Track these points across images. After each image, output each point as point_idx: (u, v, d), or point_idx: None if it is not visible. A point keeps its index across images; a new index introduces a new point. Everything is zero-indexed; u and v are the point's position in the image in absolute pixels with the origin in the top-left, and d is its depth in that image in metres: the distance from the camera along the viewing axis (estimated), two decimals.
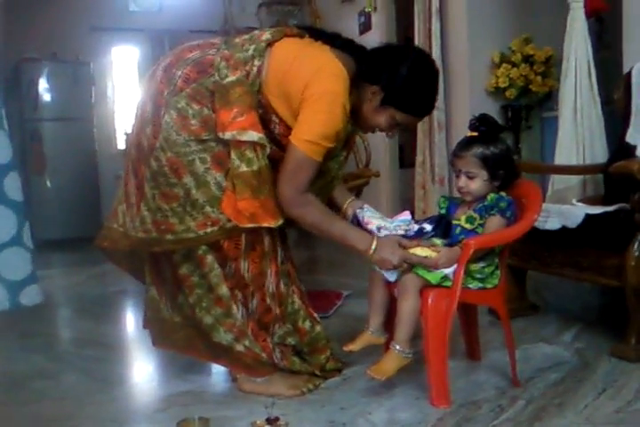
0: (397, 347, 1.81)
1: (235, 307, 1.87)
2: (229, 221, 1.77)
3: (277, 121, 1.80)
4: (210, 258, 1.83)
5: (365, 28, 5.45)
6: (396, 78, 1.78)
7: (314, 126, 1.73)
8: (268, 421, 1.65)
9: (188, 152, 1.76)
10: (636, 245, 2.06)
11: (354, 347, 1.92)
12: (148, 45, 6.44)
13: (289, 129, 1.79)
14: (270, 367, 1.91)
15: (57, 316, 3.22)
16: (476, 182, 1.90)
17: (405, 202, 5.14)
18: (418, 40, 4.45)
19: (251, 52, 1.79)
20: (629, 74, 2.73)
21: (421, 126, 4.44)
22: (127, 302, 3.40)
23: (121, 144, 6.37)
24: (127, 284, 3.68)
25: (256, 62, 1.78)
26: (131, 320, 3.14)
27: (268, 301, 1.90)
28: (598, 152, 3.00)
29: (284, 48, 1.82)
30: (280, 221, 1.79)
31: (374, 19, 5.29)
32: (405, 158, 5.65)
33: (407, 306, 1.82)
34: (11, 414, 1.87)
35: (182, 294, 1.90)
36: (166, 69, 1.83)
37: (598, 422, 1.68)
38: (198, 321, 1.89)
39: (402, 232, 1.86)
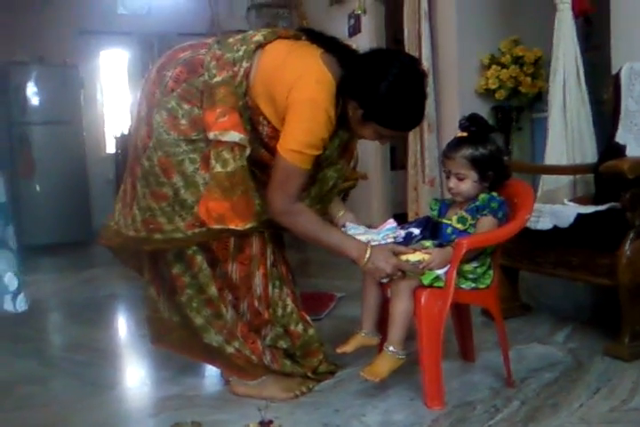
0: (391, 348, 1.80)
1: (224, 308, 1.86)
2: None
3: (265, 123, 1.79)
4: (199, 258, 1.83)
5: (355, 30, 5.45)
6: (374, 97, 1.72)
7: (298, 136, 1.71)
8: (262, 424, 1.64)
9: (177, 152, 1.76)
10: (627, 244, 2.06)
11: (347, 349, 1.90)
12: (137, 48, 6.41)
13: (277, 131, 1.78)
14: (262, 370, 1.90)
15: (46, 321, 3.18)
16: (465, 183, 1.89)
17: (397, 204, 5.14)
18: (407, 42, 4.45)
19: (240, 53, 1.78)
20: (618, 74, 2.74)
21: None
22: (117, 306, 3.38)
23: (110, 148, 6.34)
24: (117, 288, 3.68)
25: (244, 64, 1.76)
26: (121, 325, 3.12)
27: (256, 304, 1.89)
28: (588, 152, 3.01)
29: (274, 51, 1.81)
30: (249, 225, 1.76)
31: (364, 21, 5.29)
32: (397, 160, 5.66)
33: (400, 307, 1.81)
34: None
35: (178, 297, 1.89)
36: (159, 70, 1.84)
37: (593, 421, 1.68)
38: (190, 322, 1.88)
39: (391, 240, 1.85)
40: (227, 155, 1.72)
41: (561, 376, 2.00)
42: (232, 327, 1.87)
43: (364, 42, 5.33)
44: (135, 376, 2.30)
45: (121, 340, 2.81)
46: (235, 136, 1.71)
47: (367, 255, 1.76)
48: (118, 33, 6.32)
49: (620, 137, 2.67)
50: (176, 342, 1.97)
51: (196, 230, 1.77)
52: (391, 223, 1.91)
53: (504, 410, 1.76)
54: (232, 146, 1.72)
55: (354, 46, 1.89)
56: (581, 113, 3.02)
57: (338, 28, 5.72)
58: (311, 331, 1.97)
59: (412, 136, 4.44)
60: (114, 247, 2.01)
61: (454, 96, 4.24)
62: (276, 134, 1.77)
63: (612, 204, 2.28)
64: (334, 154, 1.90)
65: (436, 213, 2.00)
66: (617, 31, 2.95)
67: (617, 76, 2.75)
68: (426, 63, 4.29)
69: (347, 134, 1.89)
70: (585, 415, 1.71)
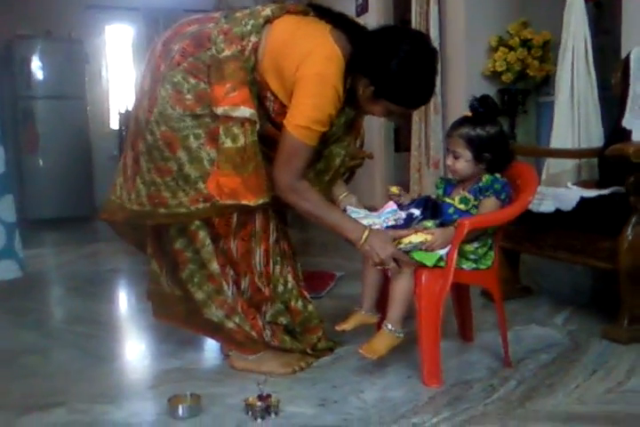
0: (389, 326, 1.82)
1: (225, 284, 1.87)
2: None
3: (272, 98, 1.78)
4: (202, 234, 1.83)
5: (362, 9, 5.41)
6: (385, 74, 1.72)
7: (305, 111, 1.71)
8: (260, 398, 1.65)
9: (182, 127, 1.75)
10: (629, 229, 2.07)
11: (346, 326, 1.91)
12: (143, 24, 6.37)
13: (284, 107, 1.77)
14: (262, 345, 1.92)
15: (48, 293, 3.21)
16: (460, 162, 1.89)
17: (401, 186, 5.11)
18: (415, 23, 4.42)
19: (249, 27, 1.76)
20: (627, 59, 2.72)
21: (417, 110, 4.42)
22: (119, 280, 3.40)
23: (114, 124, 6.32)
24: (119, 263, 3.70)
25: (252, 38, 1.75)
26: (123, 298, 3.14)
27: (257, 280, 1.90)
28: (594, 136, 3.00)
29: (282, 26, 1.79)
30: (261, 200, 1.76)
31: (372, 0, 5.24)
32: (401, 142, 5.64)
33: (401, 286, 1.82)
34: (1, 390, 1.87)
35: (180, 272, 1.90)
36: (165, 44, 1.82)
37: (589, 402, 1.69)
38: (191, 296, 1.89)
39: (392, 223, 1.85)
40: (237, 130, 1.72)
41: (558, 357, 2.01)
42: (233, 303, 1.88)
43: (371, 22, 5.23)
44: (136, 349, 2.32)
45: (122, 313, 2.83)
46: (245, 111, 1.71)
47: (364, 236, 1.76)
48: (124, 8, 6.28)
49: (627, 122, 2.66)
50: (177, 316, 1.99)
51: (200, 206, 1.78)
52: (391, 206, 1.91)
53: (501, 389, 1.78)
54: (242, 121, 1.72)
55: (362, 23, 1.87)
56: (589, 97, 3.00)
57: (345, 7, 5.66)
58: (310, 307, 1.98)
59: (417, 117, 4.43)
60: (116, 222, 2.01)
61: (461, 78, 4.22)
62: (282, 110, 1.76)
63: (616, 188, 2.28)
64: (340, 131, 1.89)
65: (441, 191, 2.00)
66: (628, 15, 2.93)
67: (626, 61, 2.73)
68: (434, 44, 4.26)
69: (353, 112, 1.89)
70: (581, 396, 1.73)
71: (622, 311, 2.13)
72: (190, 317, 1.95)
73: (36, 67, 5.55)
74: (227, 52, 1.73)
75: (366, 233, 1.77)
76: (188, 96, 1.75)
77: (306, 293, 2.01)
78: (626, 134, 2.61)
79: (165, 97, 1.76)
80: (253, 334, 1.89)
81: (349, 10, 5.57)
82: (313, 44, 1.73)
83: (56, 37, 5.73)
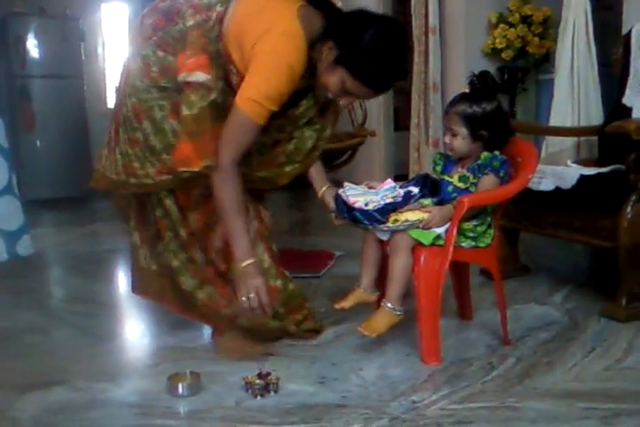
0: (389, 304, 1.82)
1: (194, 253, 1.91)
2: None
3: (235, 72, 1.75)
4: (169, 202, 1.88)
5: None
6: (356, 40, 1.66)
7: (257, 86, 1.67)
8: (260, 376, 1.65)
9: (148, 98, 1.78)
10: (629, 207, 2.06)
11: (345, 304, 1.91)
12: (138, 2, 6.25)
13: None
14: (228, 323, 1.92)
15: (48, 273, 3.21)
16: (457, 139, 1.88)
17: (399, 165, 5.12)
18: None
19: None
20: (629, 35, 2.69)
21: (416, 88, 4.39)
22: (118, 260, 3.39)
23: (111, 103, 6.27)
24: (118, 243, 3.69)
25: (218, 8, 1.74)
26: (121, 278, 3.14)
27: (213, 255, 1.91)
28: (593, 114, 2.98)
29: (249, 0, 1.76)
30: (206, 163, 1.70)
31: None
32: (400, 121, 5.60)
33: (399, 264, 1.81)
34: (0, 369, 1.87)
35: (160, 241, 1.93)
36: (142, 20, 1.85)
37: (587, 379, 1.70)
38: (168, 265, 1.93)
39: (390, 200, 1.83)
40: (193, 97, 1.70)
41: (557, 336, 2.02)
42: (203, 271, 1.92)
43: (368, 1, 5.22)
44: (135, 328, 2.33)
45: (121, 293, 2.83)
46: (200, 76, 1.69)
47: (248, 262, 1.73)
48: None
49: (628, 99, 2.64)
50: (154, 291, 2.01)
51: (164, 177, 1.80)
52: (389, 183, 1.90)
53: (499, 367, 1.79)
54: (197, 87, 1.69)
55: (339, 4, 1.84)
56: (589, 74, 2.98)
57: None
58: (291, 286, 1.96)
59: (416, 96, 4.40)
60: (102, 190, 2.03)
61: (460, 55, 4.18)
62: None
63: (615, 166, 2.27)
64: (311, 113, 1.86)
65: (440, 168, 1.99)
66: None
67: (627, 37, 2.70)
68: (432, 21, 4.22)
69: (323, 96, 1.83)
70: (579, 374, 1.74)
71: (621, 289, 2.14)
72: (164, 292, 1.98)
73: (32, 45, 5.47)
74: (191, 21, 1.73)
75: (249, 262, 1.73)
76: (154, 68, 1.76)
77: (286, 272, 1.98)
78: (626, 112, 2.59)
79: (135, 69, 1.79)
80: (223, 303, 1.89)
81: None
82: (273, 19, 1.68)
83: (51, 15, 5.64)
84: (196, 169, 1.71)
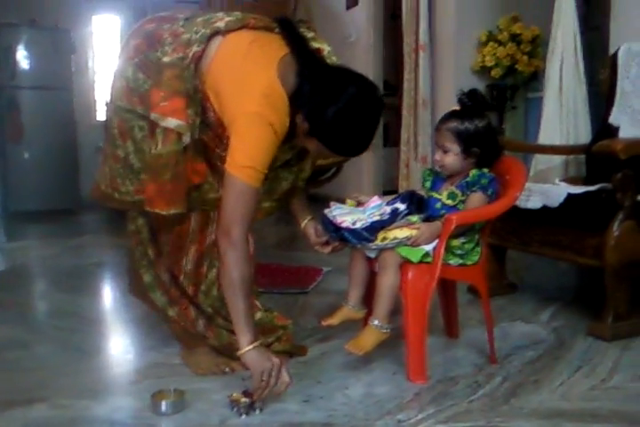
0: (376, 322, 1.81)
1: (162, 273, 1.91)
2: None
3: (212, 109, 1.72)
4: (141, 221, 1.90)
5: (352, 2, 5.38)
6: (321, 118, 1.61)
7: (248, 151, 1.61)
8: (245, 393, 1.64)
9: (129, 118, 1.77)
10: (615, 225, 2.07)
11: (332, 321, 1.90)
12: (131, 15, 6.31)
13: (220, 120, 1.70)
14: (200, 340, 1.93)
15: (32, 287, 3.17)
16: (449, 156, 1.89)
17: (388, 181, 5.13)
18: (405, 16, 4.40)
19: (197, 36, 1.70)
20: (615, 55, 2.72)
21: (406, 104, 4.41)
22: (104, 274, 3.37)
23: (101, 115, 6.26)
24: (104, 256, 3.67)
25: (194, 48, 1.68)
26: (106, 293, 3.11)
27: (182, 278, 1.90)
28: (581, 133, 3.00)
29: (234, 43, 1.71)
30: (173, 210, 1.70)
31: None
32: (390, 137, 5.63)
33: (387, 281, 1.81)
34: None
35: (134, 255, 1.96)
36: (128, 39, 1.85)
37: (573, 398, 1.70)
38: (140, 279, 1.93)
39: (377, 218, 1.82)
40: (159, 137, 1.68)
41: (544, 354, 2.01)
42: (170, 291, 1.92)
43: (360, 15, 5.27)
44: (119, 343, 2.30)
45: (106, 307, 2.81)
46: (172, 122, 1.66)
47: (250, 347, 1.63)
48: None
49: (615, 118, 2.66)
50: (142, 294, 2.01)
51: (141, 197, 1.77)
52: (376, 201, 1.89)
53: (486, 386, 1.78)
54: (167, 130, 1.67)
55: (325, 51, 1.80)
56: (577, 93, 3.00)
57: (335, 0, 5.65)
58: (259, 314, 1.92)
59: (406, 112, 4.42)
60: (94, 200, 2.00)
61: (450, 73, 4.21)
62: (220, 122, 1.70)
63: (603, 184, 2.28)
64: (288, 155, 1.83)
65: (429, 184, 1.99)
66: (616, 11, 2.92)
67: (614, 57, 2.73)
68: (422, 38, 4.25)
69: (300, 141, 1.79)
70: (565, 393, 1.73)
71: (607, 308, 2.14)
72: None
73: (22, 56, 5.46)
74: (167, 58, 1.69)
75: (255, 344, 1.63)
76: (135, 94, 1.75)
77: (256, 301, 1.93)
78: (613, 131, 2.61)
79: (119, 88, 1.79)
80: (188, 323, 1.91)
81: (339, 2, 5.55)
82: (252, 77, 1.63)
83: (42, 26, 5.64)
84: (161, 212, 1.71)
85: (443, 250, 1.79)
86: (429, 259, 1.80)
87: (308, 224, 1.97)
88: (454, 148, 1.87)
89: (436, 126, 1.94)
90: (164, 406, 1.62)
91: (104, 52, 6.50)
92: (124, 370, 1.99)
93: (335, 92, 1.61)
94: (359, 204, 1.93)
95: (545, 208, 2.25)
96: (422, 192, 1.99)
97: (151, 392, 1.67)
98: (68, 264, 3.50)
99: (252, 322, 1.67)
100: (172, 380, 1.81)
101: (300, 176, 1.93)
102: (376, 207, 1.85)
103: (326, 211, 1.87)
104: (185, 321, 1.92)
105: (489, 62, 3.99)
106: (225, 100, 1.66)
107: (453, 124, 1.87)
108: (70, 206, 5.51)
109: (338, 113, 1.60)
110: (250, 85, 1.62)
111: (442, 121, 1.91)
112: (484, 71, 4.09)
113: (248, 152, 1.61)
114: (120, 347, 2.26)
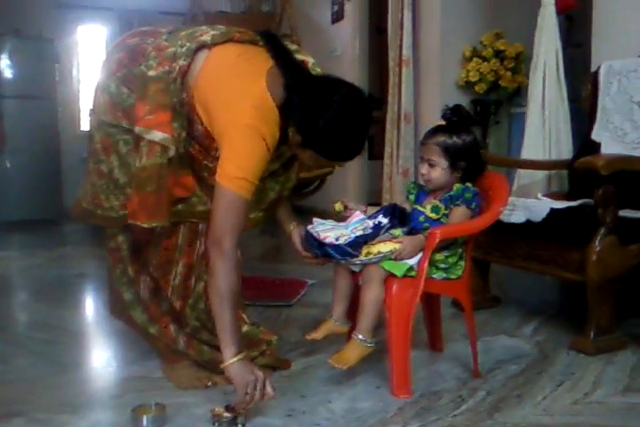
0: (360, 336, 1.80)
1: (141, 290, 1.91)
2: None
3: (200, 122, 1.72)
4: (121, 238, 1.89)
5: (338, 17, 5.41)
6: (312, 129, 1.63)
7: (239, 162, 1.61)
8: (227, 408, 1.62)
9: (114, 133, 1.76)
10: (598, 240, 2.08)
11: (316, 335, 1.90)
12: (116, 25, 6.29)
13: (208, 132, 1.71)
14: (182, 355, 1.92)
15: (12, 298, 3.13)
16: (436, 170, 1.90)
17: (372, 194, 5.14)
18: (390, 31, 4.43)
19: (183, 50, 1.70)
20: (597, 72, 2.76)
21: (390, 118, 4.44)
22: (86, 285, 3.33)
23: (85, 126, 6.23)
24: (87, 267, 3.64)
25: (181, 62, 1.68)
26: (88, 304, 3.08)
27: (170, 291, 1.89)
28: (564, 148, 3.03)
29: (220, 56, 1.72)
30: (155, 224, 1.70)
31: (347, 8, 5.26)
32: (374, 150, 5.64)
33: (371, 295, 1.81)
34: None
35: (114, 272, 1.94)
36: (110, 53, 1.85)
37: (556, 413, 1.70)
38: (120, 297, 1.92)
39: (360, 233, 1.83)
40: (144, 149, 1.68)
41: (527, 368, 2.02)
42: (149, 309, 1.91)
43: (346, 29, 5.31)
44: (100, 357, 2.28)
45: (87, 320, 2.78)
46: (157, 135, 1.66)
47: (235, 359, 1.62)
48: (97, 8, 6.20)
49: (596, 134, 2.69)
50: (120, 314, 2.00)
51: (127, 211, 1.76)
52: (358, 215, 1.90)
53: (469, 400, 1.78)
54: (151, 143, 1.67)
55: (310, 63, 1.81)
56: (559, 109, 3.03)
57: (321, 13, 5.69)
58: (245, 327, 1.92)
59: (390, 125, 4.44)
60: (76, 217, 1.99)
61: (434, 88, 4.25)
62: (208, 134, 1.71)
63: (585, 200, 2.30)
64: (275, 166, 1.84)
65: (413, 197, 2.00)
66: (598, 29, 2.97)
67: (595, 74, 2.77)
68: (406, 53, 4.28)
69: (290, 151, 1.82)
70: (548, 407, 1.73)
71: (589, 323, 2.15)
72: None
73: (5, 65, 5.44)
74: (153, 72, 1.69)
75: (239, 357, 1.62)
76: (119, 108, 1.74)
77: (242, 314, 1.94)
78: (595, 147, 2.64)
79: (102, 104, 1.78)
80: (168, 341, 1.90)
81: (325, 16, 5.58)
82: (242, 89, 1.64)
83: (26, 36, 5.62)
84: (142, 225, 1.70)
85: (427, 264, 1.79)
86: (413, 273, 1.81)
87: (294, 231, 1.96)
88: (442, 162, 1.88)
89: (422, 141, 1.94)
90: (144, 420, 1.60)
91: (89, 62, 6.48)
92: (105, 384, 1.97)
93: (323, 102, 1.62)
94: (346, 208, 1.94)
95: (528, 222, 2.27)
96: (406, 205, 2.00)
97: (132, 407, 1.65)
98: (50, 275, 3.47)
99: (237, 334, 1.66)
100: (154, 394, 1.80)
101: (286, 186, 1.94)
102: (359, 222, 1.86)
103: (309, 227, 1.87)
104: (165, 339, 1.91)
105: (473, 78, 4.03)
106: (215, 113, 1.66)
107: (442, 139, 1.88)
108: (53, 217, 5.46)
109: (329, 121, 1.61)
110: (240, 98, 1.63)
111: (428, 135, 1.92)
112: (468, 86, 4.13)
113: (239, 163, 1.61)
114: (101, 360, 2.23)
